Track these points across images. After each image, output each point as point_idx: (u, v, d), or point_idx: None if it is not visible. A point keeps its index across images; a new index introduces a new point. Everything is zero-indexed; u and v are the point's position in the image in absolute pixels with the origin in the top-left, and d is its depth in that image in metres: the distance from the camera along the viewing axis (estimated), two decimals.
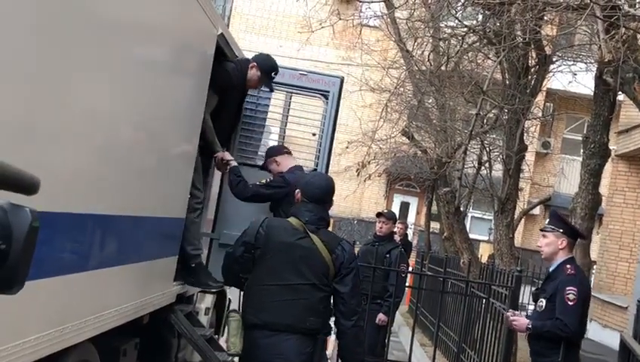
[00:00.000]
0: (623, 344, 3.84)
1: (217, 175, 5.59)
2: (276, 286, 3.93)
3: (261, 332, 3.93)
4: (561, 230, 4.96)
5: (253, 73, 5.22)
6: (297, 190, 4.24)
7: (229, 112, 5.33)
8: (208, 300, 6.57)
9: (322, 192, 4.16)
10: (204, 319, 6.24)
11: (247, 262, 4.01)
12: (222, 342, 6.55)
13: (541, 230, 5.09)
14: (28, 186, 1.44)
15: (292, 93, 5.77)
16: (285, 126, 5.89)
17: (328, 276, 3.96)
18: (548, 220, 5.24)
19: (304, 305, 3.91)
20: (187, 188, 4.96)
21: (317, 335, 3.95)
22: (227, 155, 5.25)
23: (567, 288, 4.76)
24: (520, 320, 5.12)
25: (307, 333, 3.92)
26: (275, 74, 5.30)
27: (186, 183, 4.95)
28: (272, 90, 5.54)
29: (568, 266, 4.89)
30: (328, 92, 5.63)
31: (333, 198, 4.32)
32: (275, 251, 3.97)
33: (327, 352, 7.58)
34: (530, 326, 4.91)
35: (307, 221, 4.02)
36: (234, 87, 5.19)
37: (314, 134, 5.85)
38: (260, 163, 5.70)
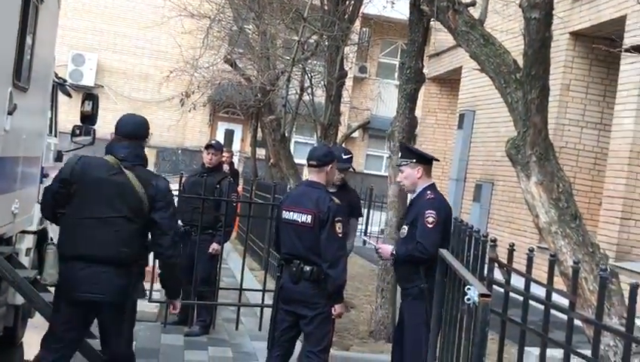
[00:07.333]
0: (442, 258, 4.15)
1: None
2: (91, 219, 4.19)
3: (78, 264, 4.19)
4: (414, 160, 5.10)
5: None
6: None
7: None
8: (29, 240, 6.27)
9: (134, 127, 4.41)
10: (25, 260, 5.96)
11: (63, 197, 4.26)
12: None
13: (397, 166, 5.20)
14: None
15: None
16: None
17: (142, 210, 4.23)
18: (399, 154, 5.32)
19: (117, 236, 4.18)
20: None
21: (131, 267, 4.24)
22: None
23: (427, 212, 4.90)
24: (384, 247, 5.24)
25: (121, 264, 4.21)
26: None
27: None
28: None
29: (428, 192, 5.03)
30: None
31: (150, 133, 4.53)
32: (90, 186, 4.22)
33: (157, 286, 7.52)
34: (394, 252, 5.04)
35: (123, 158, 4.27)
36: None
37: None
38: None
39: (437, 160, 5.81)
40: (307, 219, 4.83)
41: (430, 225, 4.85)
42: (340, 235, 4.81)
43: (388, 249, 5.18)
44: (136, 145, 4.38)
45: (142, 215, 4.23)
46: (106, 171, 4.24)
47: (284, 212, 5.00)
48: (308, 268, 4.81)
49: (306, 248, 4.84)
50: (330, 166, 5.03)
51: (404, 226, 5.12)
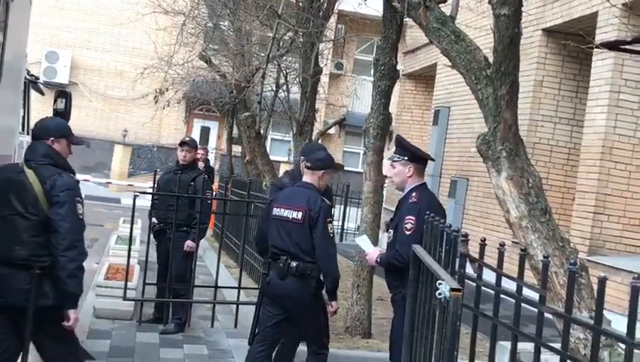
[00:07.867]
0: (415, 254, 4.17)
1: None
2: None
3: None
4: (407, 157, 4.91)
5: None
6: None
7: None
8: None
9: (36, 129, 4.39)
10: None
11: None
12: None
13: (389, 159, 5.01)
14: None
15: None
16: None
17: (37, 206, 4.10)
18: (394, 149, 5.09)
19: (10, 233, 4.09)
20: None
21: (31, 269, 4.05)
22: None
23: (406, 217, 4.75)
24: (371, 254, 5.14)
25: (19, 266, 4.06)
26: None
27: None
28: None
29: (413, 194, 4.84)
30: None
31: (66, 134, 4.40)
32: None
33: (132, 284, 7.49)
34: (379, 259, 4.96)
35: (27, 158, 4.30)
36: None
37: None
38: None
39: (432, 159, 5.54)
40: (298, 215, 4.98)
41: (408, 232, 4.70)
42: (332, 235, 5.03)
43: (374, 256, 5.07)
44: (41, 146, 4.29)
45: (37, 211, 4.09)
46: (12, 172, 4.27)
47: (274, 209, 5.15)
48: (294, 264, 4.95)
49: (293, 244, 4.98)
50: (322, 172, 5.16)
51: (390, 231, 5.00)
